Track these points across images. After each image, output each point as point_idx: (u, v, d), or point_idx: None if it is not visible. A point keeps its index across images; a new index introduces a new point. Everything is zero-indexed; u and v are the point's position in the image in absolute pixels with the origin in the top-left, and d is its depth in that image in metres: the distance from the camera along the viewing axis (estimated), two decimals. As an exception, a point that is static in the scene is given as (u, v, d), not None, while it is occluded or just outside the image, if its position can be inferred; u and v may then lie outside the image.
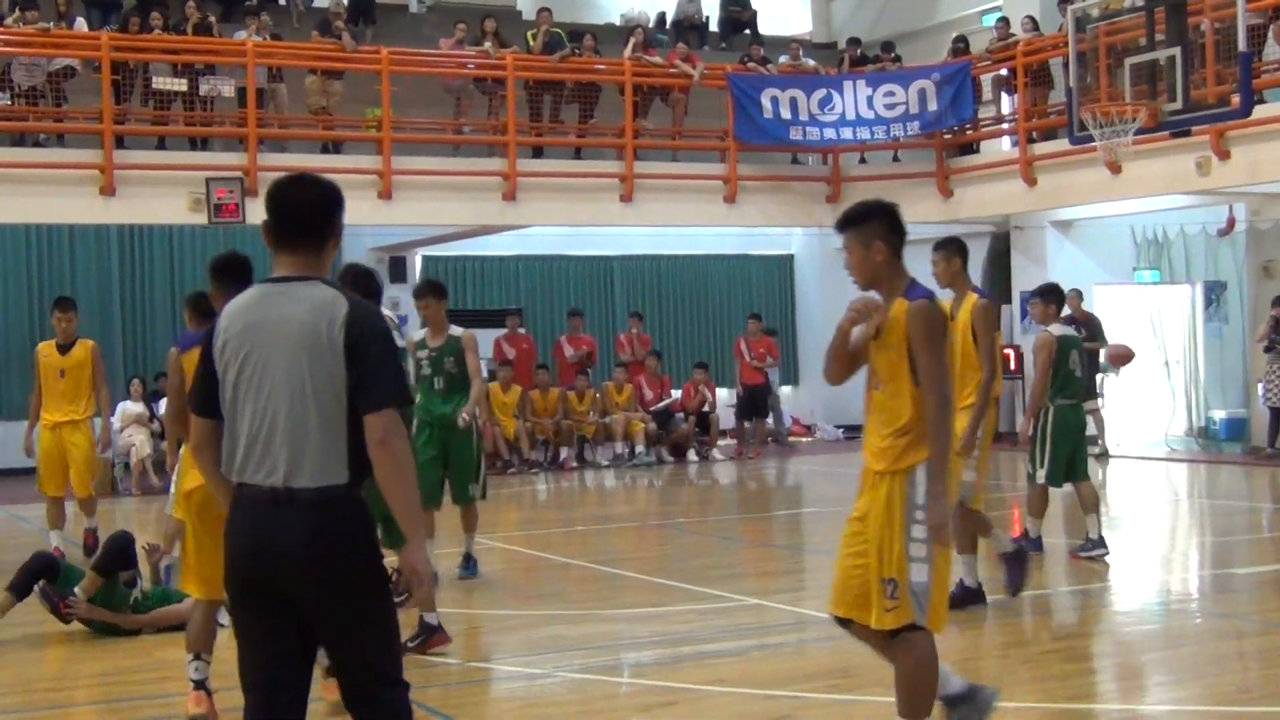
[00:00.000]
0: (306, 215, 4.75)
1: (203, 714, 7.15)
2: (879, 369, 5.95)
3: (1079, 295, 21.18)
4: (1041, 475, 12.14)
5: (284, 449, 4.56)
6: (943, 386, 5.76)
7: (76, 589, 9.39)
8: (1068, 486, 12.34)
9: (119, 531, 9.93)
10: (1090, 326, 20.83)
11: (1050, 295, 12.39)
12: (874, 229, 6.05)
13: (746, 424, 23.03)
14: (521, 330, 22.78)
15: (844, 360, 6.17)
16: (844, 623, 6.16)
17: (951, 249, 9.71)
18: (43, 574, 9.60)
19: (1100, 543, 12.06)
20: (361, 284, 8.65)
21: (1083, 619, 10.10)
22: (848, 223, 6.09)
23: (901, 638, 5.89)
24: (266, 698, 4.66)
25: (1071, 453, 12.10)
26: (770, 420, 24.15)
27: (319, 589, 4.55)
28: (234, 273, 7.36)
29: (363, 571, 4.62)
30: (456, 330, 10.89)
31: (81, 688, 8.45)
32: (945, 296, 9.59)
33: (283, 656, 4.65)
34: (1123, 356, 20.51)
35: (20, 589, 9.63)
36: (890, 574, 5.84)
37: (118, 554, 9.53)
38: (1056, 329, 12.21)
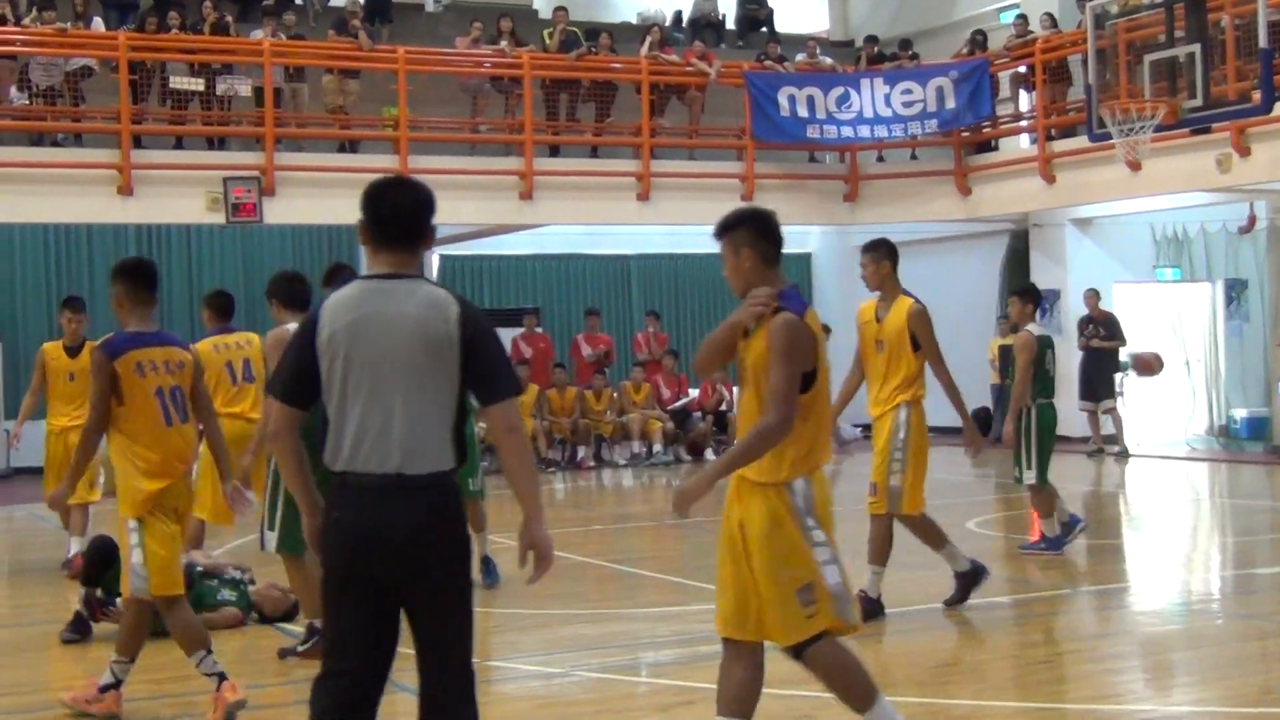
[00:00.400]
0: (407, 217, 4.99)
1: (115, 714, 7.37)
2: (744, 370, 5.90)
3: (1096, 295, 21.14)
4: (1031, 477, 12.18)
5: (400, 438, 4.78)
6: (783, 405, 5.62)
7: (119, 601, 9.29)
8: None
9: (96, 538, 9.94)
10: (1108, 326, 20.80)
11: (1028, 295, 12.62)
12: (742, 236, 6.05)
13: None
14: (538, 329, 22.77)
15: (723, 354, 6.03)
16: (730, 643, 6.00)
17: (880, 251, 9.69)
18: (107, 564, 9.46)
19: (1061, 537, 12.26)
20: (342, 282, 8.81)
21: (1103, 619, 10.05)
22: (718, 231, 6.15)
23: (812, 649, 5.79)
24: (355, 682, 4.84)
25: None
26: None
27: (429, 571, 4.80)
28: (146, 277, 7.61)
29: (465, 553, 4.94)
30: None
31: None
32: (873, 298, 9.88)
33: (375, 642, 4.85)
34: (1148, 365, 20.33)
35: (92, 580, 9.54)
36: (808, 580, 5.76)
37: (99, 563, 9.48)
38: (1035, 329, 12.28)
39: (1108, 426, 20.98)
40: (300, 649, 8.52)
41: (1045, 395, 12.28)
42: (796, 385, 5.66)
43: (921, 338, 9.47)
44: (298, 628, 9.49)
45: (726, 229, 6.07)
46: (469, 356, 4.85)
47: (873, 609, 9.45)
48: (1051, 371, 12.31)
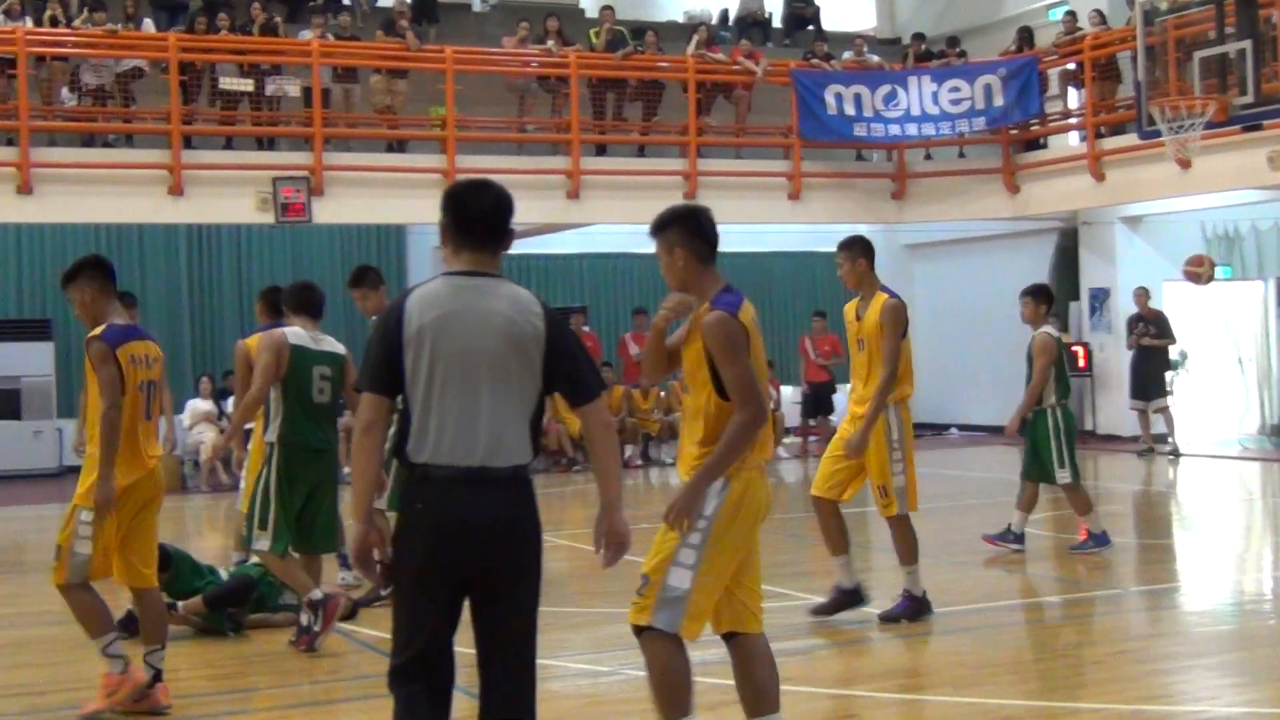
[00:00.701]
0: (490, 219, 5.11)
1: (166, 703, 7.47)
2: (685, 372, 5.95)
3: (1145, 293, 20.99)
4: (1066, 476, 12.23)
5: (486, 431, 4.90)
6: (750, 398, 5.67)
7: (180, 605, 9.34)
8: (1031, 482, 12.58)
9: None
10: (1159, 324, 20.66)
11: (1041, 294, 12.56)
12: (673, 235, 6.09)
13: (812, 422, 22.94)
14: (586, 328, 22.80)
15: (659, 359, 6.13)
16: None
17: (855, 249, 9.57)
18: (161, 566, 9.51)
19: (1020, 538, 12.33)
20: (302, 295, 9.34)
21: (1154, 620, 9.99)
22: (652, 230, 6.22)
23: (645, 636, 5.80)
24: (427, 670, 4.92)
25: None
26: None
27: (509, 563, 4.94)
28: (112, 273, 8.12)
29: (540, 546, 5.06)
30: None
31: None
32: (864, 298, 9.73)
33: (446, 635, 4.94)
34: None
35: None
36: (646, 570, 5.84)
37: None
38: (1052, 329, 12.37)
39: (1158, 426, 20.84)
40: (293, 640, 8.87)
41: (1065, 395, 12.37)
42: (750, 375, 5.73)
43: (886, 332, 9.33)
44: (361, 628, 9.54)
45: (659, 228, 6.14)
46: (554, 356, 5.01)
47: (920, 607, 9.42)
48: (1068, 371, 12.39)
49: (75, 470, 19.64)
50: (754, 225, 23.13)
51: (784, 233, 24.93)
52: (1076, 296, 23.42)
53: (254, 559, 9.96)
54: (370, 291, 10.44)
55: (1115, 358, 22.40)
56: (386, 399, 4.95)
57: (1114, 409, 22.62)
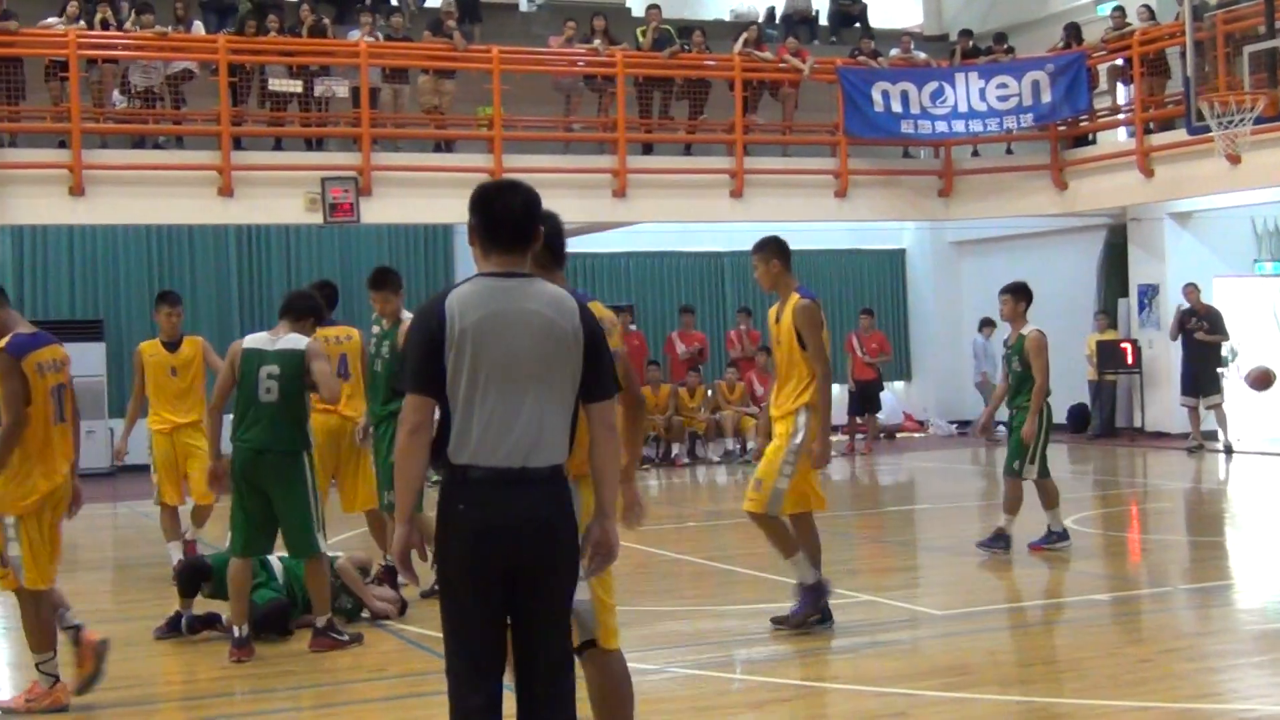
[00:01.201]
0: (519, 219, 5.11)
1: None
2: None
3: (1196, 288, 20.82)
4: (1033, 471, 12.16)
5: (526, 432, 4.94)
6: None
7: (224, 617, 9.27)
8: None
9: (187, 560, 10.22)
10: (1211, 319, 20.47)
11: (1021, 292, 12.42)
12: None
13: (859, 419, 22.91)
14: (633, 327, 22.83)
15: None
16: None
17: (767, 250, 9.22)
18: (199, 579, 9.51)
19: (1007, 539, 12.11)
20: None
21: (1204, 618, 9.94)
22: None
23: (586, 655, 5.68)
24: (485, 668, 4.95)
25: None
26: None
27: (550, 557, 4.96)
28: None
29: (576, 542, 5.09)
30: (406, 315, 10.46)
31: (161, 684, 8.59)
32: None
33: (500, 632, 4.99)
34: (1263, 379, 19.59)
35: (189, 593, 9.57)
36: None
37: (188, 581, 9.56)
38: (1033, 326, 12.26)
39: (1208, 422, 20.65)
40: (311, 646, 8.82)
41: (1048, 392, 12.31)
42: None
43: (805, 335, 8.94)
44: (409, 626, 9.60)
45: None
46: (588, 353, 5.05)
47: (816, 593, 9.18)
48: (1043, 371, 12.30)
49: (128, 470, 19.91)
50: (800, 223, 23.09)
51: (831, 230, 24.88)
52: (1125, 293, 23.29)
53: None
54: (392, 295, 10.44)
55: (1164, 354, 22.27)
56: (431, 400, 4.96)
57: (1162, 406, 22.49)
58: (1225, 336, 20.62)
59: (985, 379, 23.42)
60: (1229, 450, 20.10)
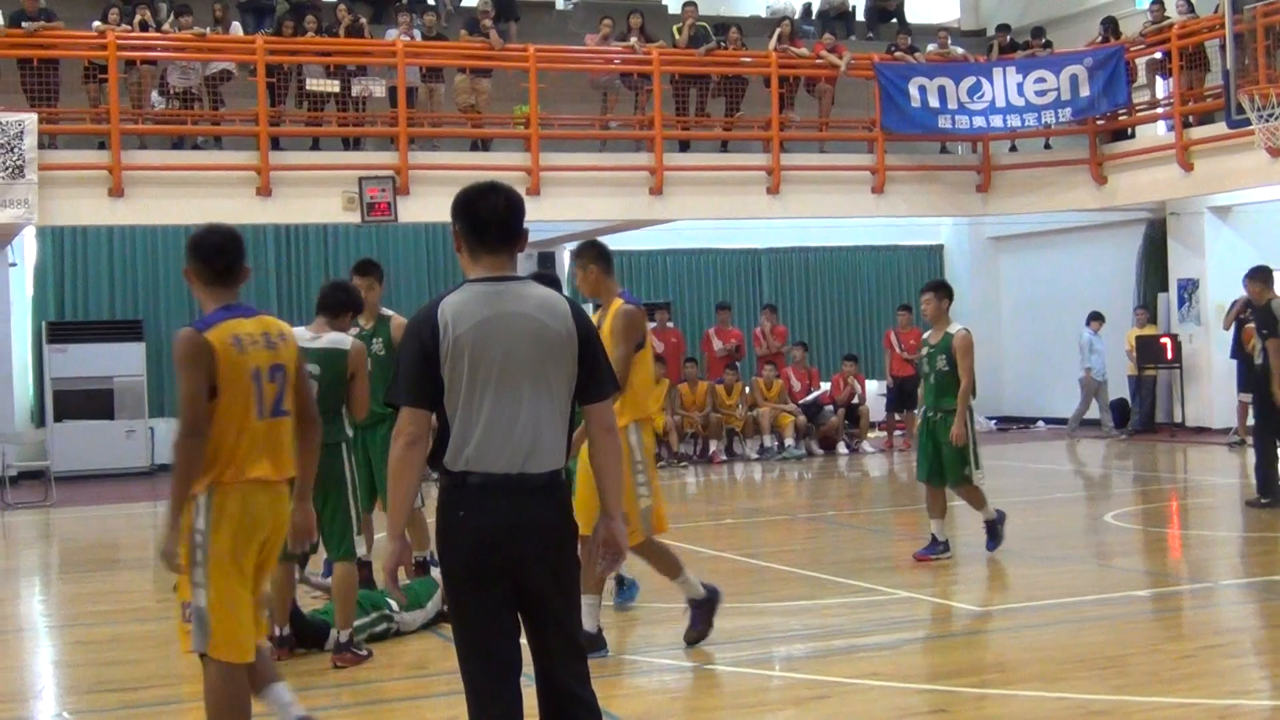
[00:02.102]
0: (503, 221, 5.07)
1: None
2: None
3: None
4: (981, 476, 11.81)
5: (524, 438, 4.94)
6: (183, 416, 5.82)
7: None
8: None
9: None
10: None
11: (944, 290, 11.94)
12: None
13: (897, 416, 22.87)
14: (670, 324, 22.84)
15: None
16: None
17: (586, 255, 8.84)
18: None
19: (946, 545, 11.85)
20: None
21: (1245, 613, 9.88)
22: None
23: (205, 662, 5.85)
24: (504, 671, 4.97)
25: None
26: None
27: (551, 562, 4.98)
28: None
29: (576, 545, 5.13)
30: (386, 312, 10.54)
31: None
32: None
33: (511, 633, 5.00)
34: None
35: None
36: (183, 597, 5.91)
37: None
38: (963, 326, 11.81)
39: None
40: (335, 664, 8.55)
41: (973, 393, 11.88)
42: (187, 391, 5.82)
43: (620, 340, 8.33)
44: (448, 624, 9.62)
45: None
46: (582, 355, 5.05)
47: (708, 604, 8.78)
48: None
49: (167, 468, 19.96)
50: (838, 219, 23.09)
51: (868, 226, 24.86)
52: (1165, 288, 23.17)
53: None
54: (377, 284, 10.41)
55: (1204, 349, 22.15)
56: (428, 412, 4.96)
57: (1202, 401, 22.37)
58: None
59: (1089, 375, 23.19)
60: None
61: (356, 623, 8.75)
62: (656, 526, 8.59)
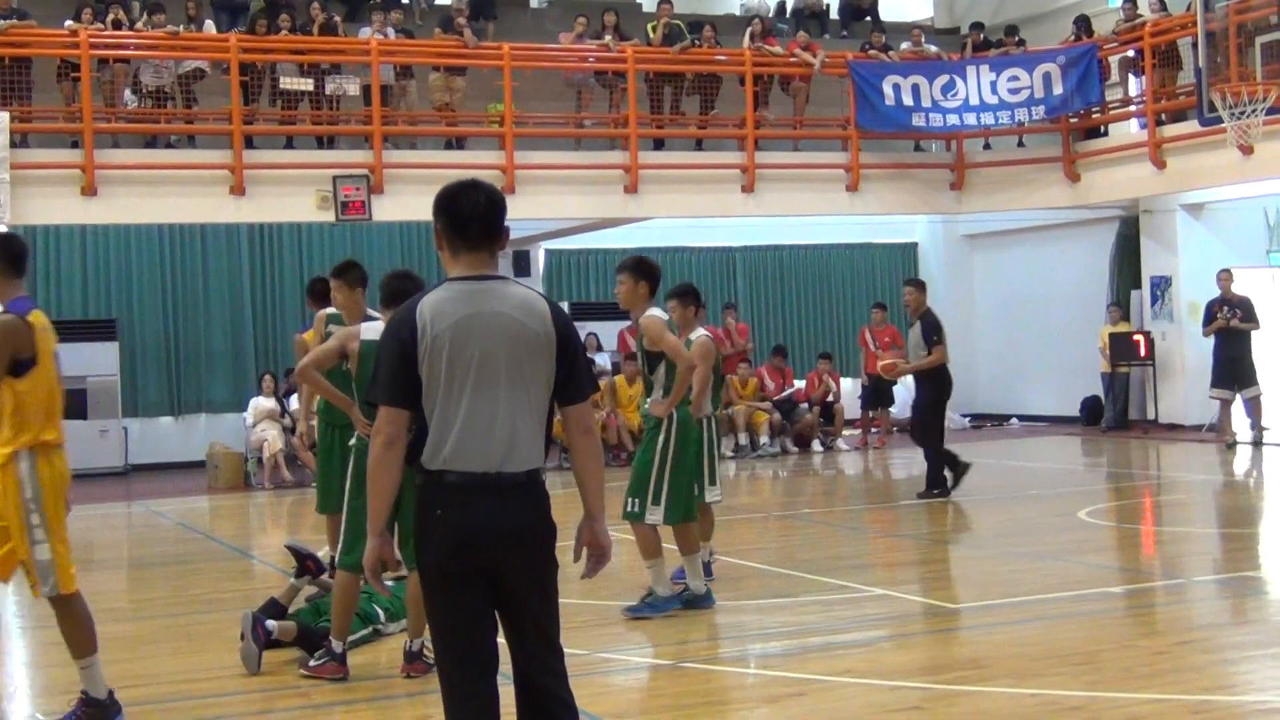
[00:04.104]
0: (484, 218, 5.06)
1: None
2: None
3: (1230, 275, 20.30)
4: (717, 493, 10.76)
5: (502, 437, 4.94)
6: None
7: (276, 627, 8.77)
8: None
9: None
10: (1244, 308, 20.10)
11: (690, 296, 10.73)
12: None
13: (871, 414, 22.91)
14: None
15: None
16: None
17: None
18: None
19: (708, 567, 10.80)
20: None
21: (1218, 609, 9.93)
22: None
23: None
24: (481, 669, 4.97)
25: None
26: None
27: (528, 563, 4.98)
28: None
29: (553, 546, 5.06)
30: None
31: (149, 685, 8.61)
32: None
33: (488, 632, 4.99)
34: None
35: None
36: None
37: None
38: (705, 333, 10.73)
39: (1239, 413, 20.34)
40: (311, 664, 8.33)
41: (718, 406, 11.12)
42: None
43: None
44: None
45: None
46: (560, 355, 5.04)
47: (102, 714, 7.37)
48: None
49: (140, 468, 19.96)
50: (812, 217, 23.12)
51: (842, 224, 24.89)
52: (1138, 285, 23.26)
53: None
54: (348, 288, 10.29)
55: (1177, 346, 22.24)
56: (406, 411, 4.96)
57: (1175, 398, 22.45)
58: (1257, 325, 20.14)
59: None
60: (1258, 443, 19.79)
61: (352, 637, 8.67)
62: (62, 585, 7.00)
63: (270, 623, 8.63)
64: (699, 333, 10.36)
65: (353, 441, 8.53)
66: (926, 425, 15.89)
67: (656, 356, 9.70)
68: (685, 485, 9.80)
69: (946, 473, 15.72)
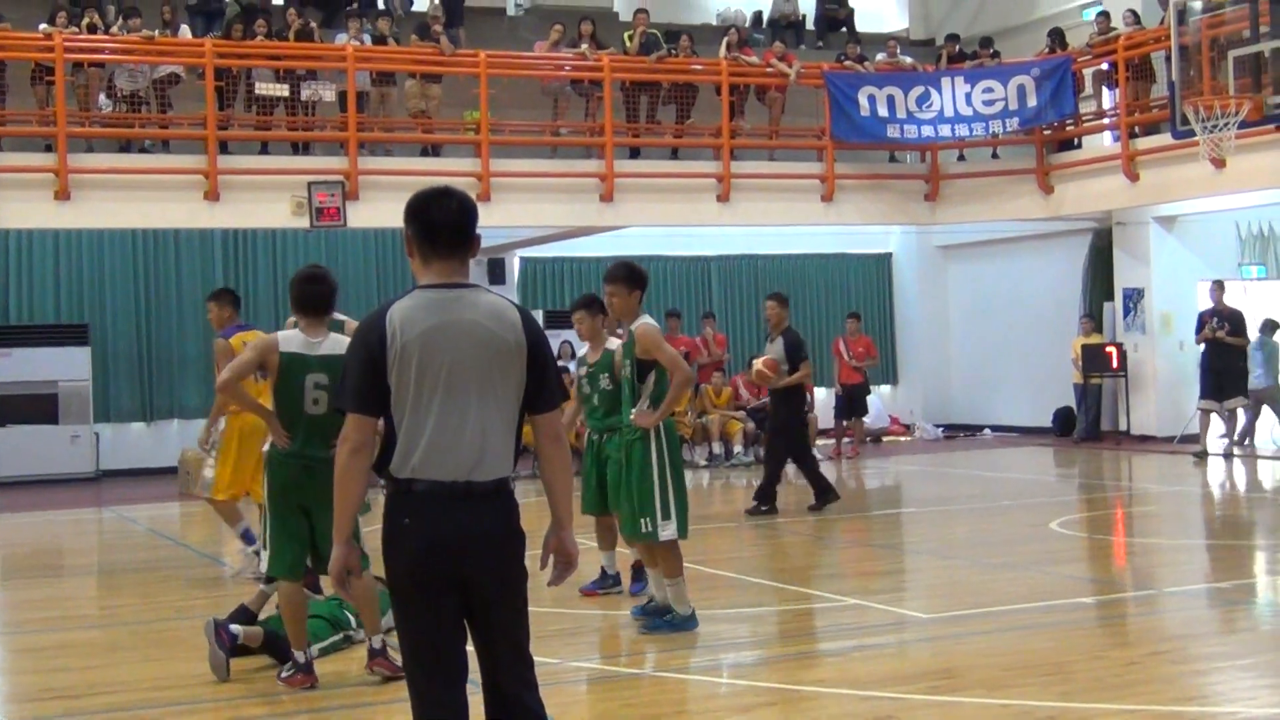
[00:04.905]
0: (456, 226, 5.02)
1: None
2: None
3: (1221, 286, 20.38)
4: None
5: (471, 446, 4.91)
6: None
7: (242, 633, 8.66)
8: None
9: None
10: (1233, 320, 20.13)
11: (595, 306, 10.70)
12: None
13: (845, 423, 22.93)
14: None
15: None
16: None
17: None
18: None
19: (617, 579, 10.88)
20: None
21: (1189, 620, 9.96)
22: None
23: None
24: (449, 677, 4.95)
25: None
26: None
27: (497, 571, 4.95)
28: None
29: (523, 555, 5.03)
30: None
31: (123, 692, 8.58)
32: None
33: (457, 640, 4.96)
34: None
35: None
36: None
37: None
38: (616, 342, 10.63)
39: (1217, 424, 20.45)
40: (283, 675, 8.23)
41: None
42: None
43: None
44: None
45: None
46: (530, 363, 5.01)
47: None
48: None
49: (110, 474, 19.85)
50: (787, 227, 23.16)
51: (817, 234, 24.95)
52: (1110, 297, 23.34)
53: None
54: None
55: (1149, 358, 22.32)
56: (374, 419, 4.94)
57: (1147, 409, 22.53)
58: (1247, 340, 20.21)
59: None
60: (1229, 455, 19.87)
61: (323, 644, 8.66)
62: None
63: (235, 627, 8.57)
64: (614, 343, 10.31)
65: (265, 448, 8.37)
66: (791, 444, 15.85)
67: (647, 365, 9.56)
68: (685, 494, 9.56)
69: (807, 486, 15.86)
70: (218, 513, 12.11)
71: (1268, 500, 16.85)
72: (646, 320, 9.58)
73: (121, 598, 11.69)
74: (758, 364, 15.55)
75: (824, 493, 15.69)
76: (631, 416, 9.50)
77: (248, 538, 11.86)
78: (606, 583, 10.82)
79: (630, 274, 9.62)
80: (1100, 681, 7.83)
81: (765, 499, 15.60)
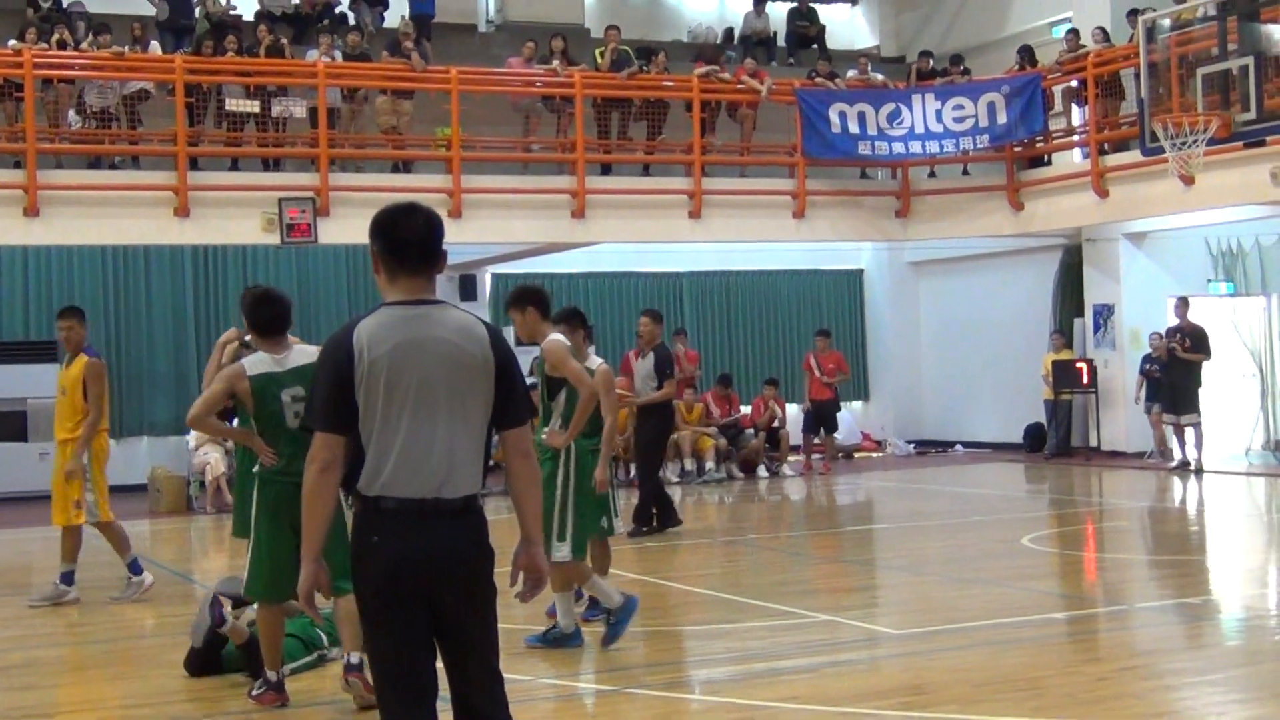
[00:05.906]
0: (423, 242, 5.01)
1: None
2: None
3: (1185, 303, 20.64)
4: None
5: (440, 463, 4.89)
6: None
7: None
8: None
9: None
10: (1195, 338, 20.33)
11: (576, 319, 10.30)
12: None
13: (816, 439, 22.93)
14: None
15: None
16: None
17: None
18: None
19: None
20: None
21: (1160, 636, 9.98)
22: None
23: None
24: (419, 695, 4.93)
25: None
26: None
27: (467, 588, 4.93)
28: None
29: (492, 572, 5.02)
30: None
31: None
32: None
33: (426, 658, 4.95)
34: None
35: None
36: None
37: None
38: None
39: (1173, 439, 20.62)
40: (254, 693, 8.14)
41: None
42: None
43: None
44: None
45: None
46: (499, 380, 5.00)
47: None
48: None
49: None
50: (759, 243, 23.18)
51: (789, 251, 24.97)
52: (1081, 313, 23.42)
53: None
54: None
55: (1119, 374, 22.40)
56: (342, 437, 4.90)
57: (1117, 425, 22.60)
58: (1207, 356, 20.47)
59: None
60: (1199, 470, 20.02)
61: (295, 664, 8.61)
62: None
63: (228, 611, 8.57)
64: (596, 361, 10.21)
65: (256, 469, 8.28)
66: (646, 462, 15.85)
67: (558, 383, 9.52)
68: (591, 515, 9.55)
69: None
70: (107, 540, 12.12)
71: (1240, 516, 16.92)
72: (554, 337, 9.51)
73: (91, 615, 11.62)
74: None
75: (667, 516, 15.44)
76: (543, 436, 9.43)
77: (134, 568, 11.88)
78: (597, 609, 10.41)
79: (516, 296, 9.57)
80: (1072, 697, 7.84)
81: (644, 519, 15.33)
